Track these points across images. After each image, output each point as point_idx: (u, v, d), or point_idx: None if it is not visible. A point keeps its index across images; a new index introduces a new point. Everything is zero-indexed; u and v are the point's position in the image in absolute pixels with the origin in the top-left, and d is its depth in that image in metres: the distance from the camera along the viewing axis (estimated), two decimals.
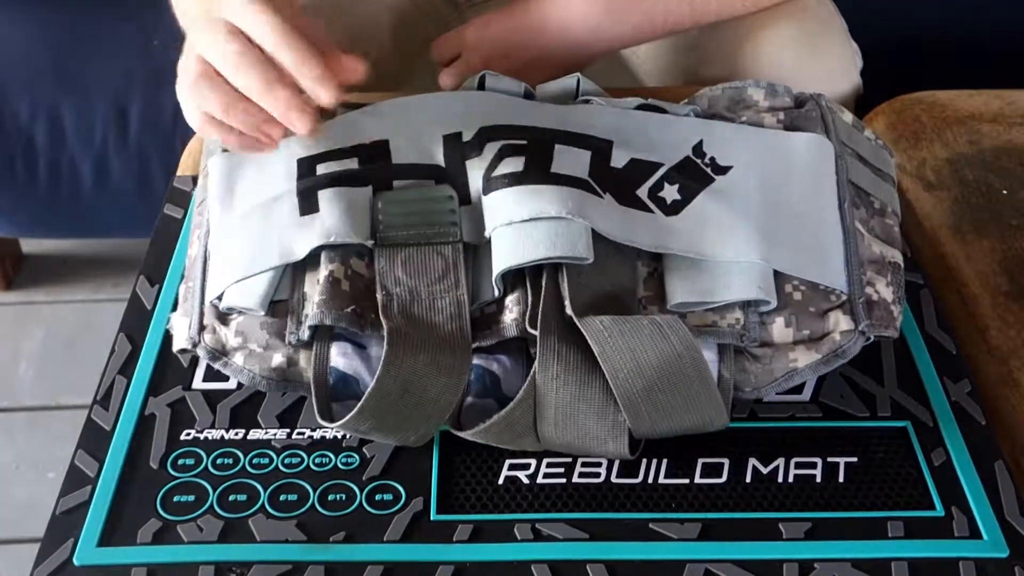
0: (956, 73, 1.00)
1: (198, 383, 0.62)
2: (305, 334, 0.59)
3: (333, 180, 0.62)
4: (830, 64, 0.91)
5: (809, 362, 0.58)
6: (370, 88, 0.73)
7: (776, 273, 0.59)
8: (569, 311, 0.56)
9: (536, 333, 0.56)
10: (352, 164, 0.64)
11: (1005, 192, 0.81)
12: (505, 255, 0.58)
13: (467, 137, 0.65)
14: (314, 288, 0.59)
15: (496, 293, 0.59)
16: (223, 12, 0.61)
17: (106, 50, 1.24)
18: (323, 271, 0.59)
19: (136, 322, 0.66)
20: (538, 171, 0.61)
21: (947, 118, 0.89)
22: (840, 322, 0.58)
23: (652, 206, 0.61)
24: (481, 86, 0.70)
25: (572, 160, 0.62)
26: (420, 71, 1.00)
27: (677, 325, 0.55)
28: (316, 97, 0.58)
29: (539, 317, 0.56)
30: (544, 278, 0.58)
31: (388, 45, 0.96)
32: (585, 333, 0.55)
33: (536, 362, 0.55)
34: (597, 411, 0.55)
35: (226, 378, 0.61)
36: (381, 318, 0.57)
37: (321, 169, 0.63)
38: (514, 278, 0.60)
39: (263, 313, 0.59)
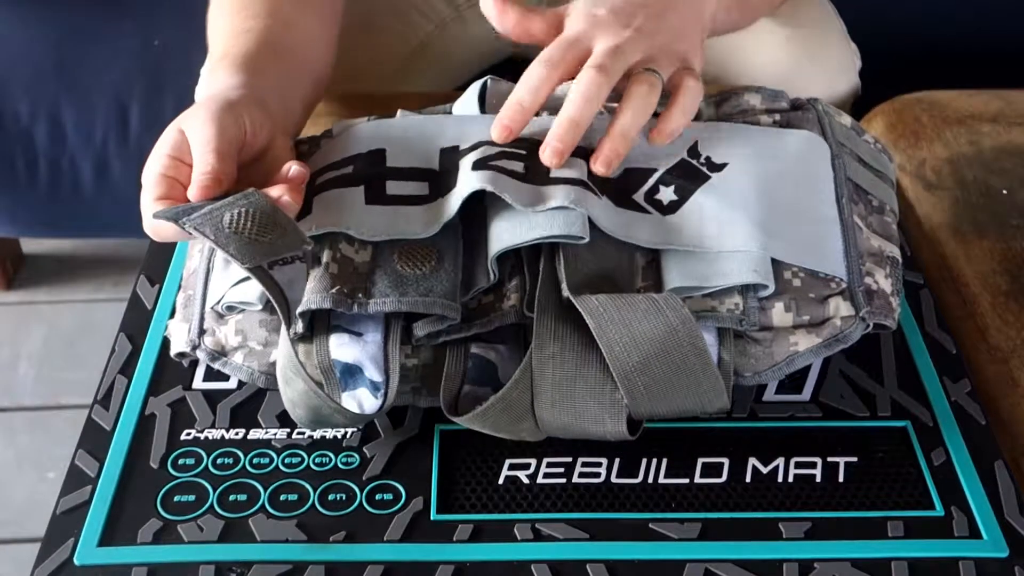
0: (956, 73, 1.00)
1: (198, 383, 0.62)
2: (300, 326, 0.58)
3: (328, 185, 0.62)
4: (828, 65, 0.91)
5: (810, 346, 0.58)
6: (370, 89, 0.74)
7: (775, 261, 0.59)
8: (566, 292, 0.56)
9: (533, 316, 0.56)
10: (347, 170, 0.63)
11: (1005, 192, 0.81)
12: (502, 238, 0.58)
13: (463, 146, 0.65)
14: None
15: (492, 278, 0.59)
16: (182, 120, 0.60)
17: (106, 50, 1.24)
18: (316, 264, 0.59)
19: (136, 322, 0.66)
20: (539, 175, 0.61)
21: (947, 118, 0.88)
22: (840, 308, 0.58)
23: (649, 208, 0.61)
24: (483, 94, 0.70)
25: (570, 165, 0.62)
26: (419, 72, 1.00)
27: (673, 300, 0.55)
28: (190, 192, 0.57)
29: (536, 299, 0.57)
30: (541, 263, 0.59)
31: (386, 45, 0.96)
32: (580, 309, 0.55)
33: (532, 342, 0.55)
34: (594, 389, 0.55)
35: (226, 378, 0.61)
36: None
37: (318, 180, 0.63)
38: (512, 267, 0.60)
39: (260, 307, 0.59)
